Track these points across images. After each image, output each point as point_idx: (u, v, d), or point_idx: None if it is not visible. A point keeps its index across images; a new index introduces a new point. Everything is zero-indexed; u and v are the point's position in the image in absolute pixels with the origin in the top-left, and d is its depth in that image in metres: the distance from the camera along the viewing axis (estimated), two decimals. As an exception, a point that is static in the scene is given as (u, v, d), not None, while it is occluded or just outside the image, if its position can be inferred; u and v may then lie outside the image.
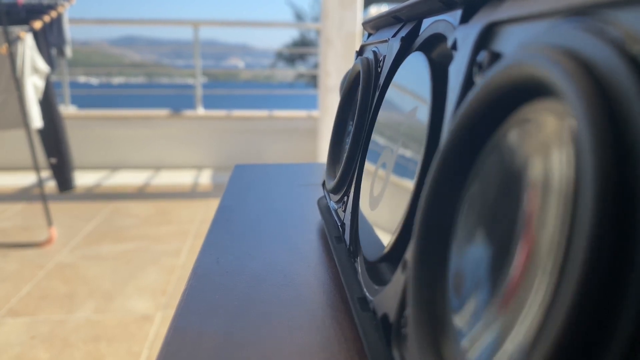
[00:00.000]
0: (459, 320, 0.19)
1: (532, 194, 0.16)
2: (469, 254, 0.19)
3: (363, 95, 0.41)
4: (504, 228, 0.17)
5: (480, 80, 0.20)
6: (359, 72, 0.43)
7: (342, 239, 0.41)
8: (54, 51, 2.49)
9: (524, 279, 0.15)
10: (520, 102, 0.18)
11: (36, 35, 2.29)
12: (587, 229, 0.12)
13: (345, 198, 0.42)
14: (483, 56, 0.22)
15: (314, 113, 3.56)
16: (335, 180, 0.44)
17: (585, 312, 0.12)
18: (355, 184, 0.39)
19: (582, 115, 0.13)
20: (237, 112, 3.64)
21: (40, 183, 2.22)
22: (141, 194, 3.02)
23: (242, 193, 0.61)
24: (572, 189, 0.14)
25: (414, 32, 0.35)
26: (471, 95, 0.20)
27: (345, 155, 0.43)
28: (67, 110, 3.51)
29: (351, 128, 0.43)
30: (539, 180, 0.16)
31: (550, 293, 0.13)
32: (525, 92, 0.17)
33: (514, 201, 0.17)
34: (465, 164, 0.21)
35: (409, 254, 0.24)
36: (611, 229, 0.12)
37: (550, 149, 0.16)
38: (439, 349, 0.20)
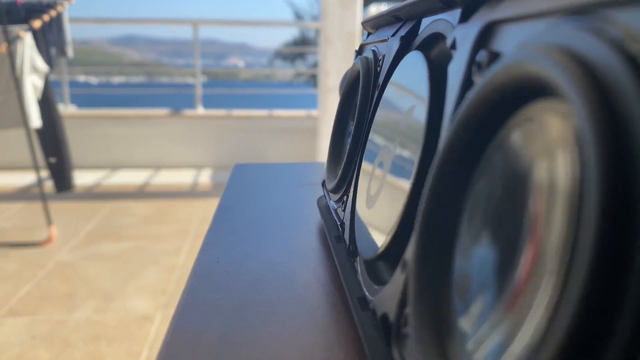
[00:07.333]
0: (464, 322, 0.19)
1: (537, 195, 0.16)
2: (475, 255, 0.19)
3: (363, 94, 0.41)
4: (510, 230, 0.17)
5: (479, 80, 0.20)
6: (359, 71, 0.43)
7: (342, 238, 0.40)
8: (54, 51, 2.49)
9: (530, 281, 0.15)
10: (520, 101, 0.18)
11: (35, 34, 2.29)
12: (592, 230, 0.12)
13: (345, 198, 0.42)
14: (482, 56, 0.22)
15: (314, 112, 3.56)
16: (336, 180, 0.44)
17: (591, 314, 0.12)
18: (355, 183, 0.39)
19: (586, 118, 0.13)
20: (237, 112, 3.64)
21: (39, 183, 2.21)
22: (141, 193, 3.02)
23: (242, 192, 0.61)
24: (577, 190, 0.14)
25: (414, 31, 0.35)
26: (471, 94, 0.20)
27: (345, 155, 0.42)
28: (66, 109, 3.51)
29: (352, 128, 0.43)
30: (544, 182, 0.16)
31: (557, 295, 0.13)
32: (525, 91, 0.17)
33: (519, 203, 0.17)
34: (466, 165, 0.21)
35: (409, 254, 0.24)
36: (617, 230, 0.11)
37: (554, 150, 0.16)
38: (442, 351, 0.19)
